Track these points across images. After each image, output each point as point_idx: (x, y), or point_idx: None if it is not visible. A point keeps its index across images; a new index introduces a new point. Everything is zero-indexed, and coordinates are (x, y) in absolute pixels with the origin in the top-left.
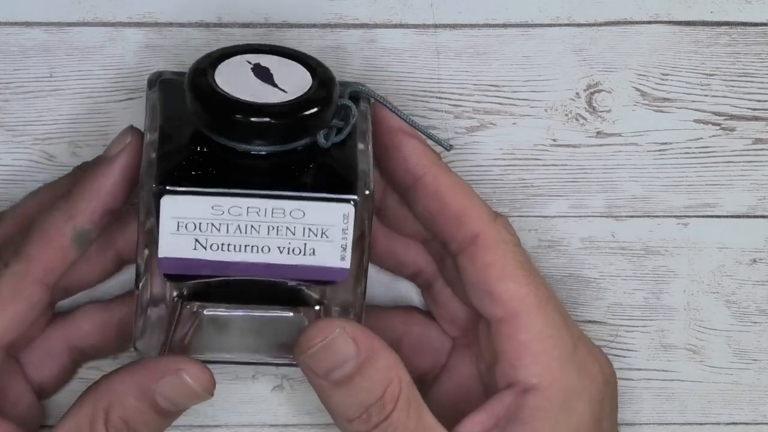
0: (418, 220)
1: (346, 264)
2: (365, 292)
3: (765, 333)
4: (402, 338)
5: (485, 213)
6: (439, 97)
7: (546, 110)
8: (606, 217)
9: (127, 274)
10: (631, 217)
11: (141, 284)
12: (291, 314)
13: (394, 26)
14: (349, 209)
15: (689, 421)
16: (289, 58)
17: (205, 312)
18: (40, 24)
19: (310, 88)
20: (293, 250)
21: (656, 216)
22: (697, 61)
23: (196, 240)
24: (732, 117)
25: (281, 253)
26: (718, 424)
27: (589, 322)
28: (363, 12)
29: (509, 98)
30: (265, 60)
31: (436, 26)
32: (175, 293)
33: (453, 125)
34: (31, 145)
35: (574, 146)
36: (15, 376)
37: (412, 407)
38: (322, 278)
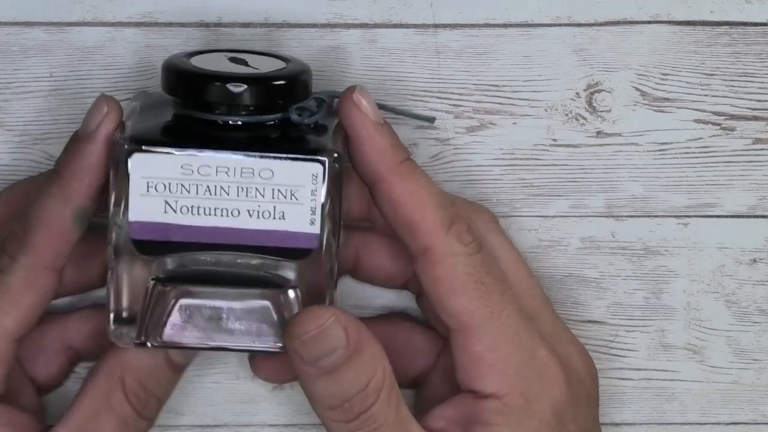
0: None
1: (316, 229)
2: (337, 275)
3: (765, 333)
4: (387, 348)
5: (437, 224)
6: (439, 97)
7: (546, 110)
8: (606, 217)
9: None
10: (631, 217)
11: (112, 269)
12: (264, 299)
13: (394, 26)
14: (318, 169)
15: (689, 421)
16: (265, 55)
17: (180, 294)
18: (40, 24)
19: (283, 67)
20: (263, 214)
21: (656, 216)
22: (697, 61)
23: (166, 202)
24: (732, 117)
25: (251, 216)
26: (718, 424)
27: (589, 322)
28: (363, 12)
29: (509, 98)
30: (241, 54)
31: (436, 26)
32: (149, 280)
33: (453, 125)
34: (31, 145)
35: (574, 146)
36: (19, 371)
37: (392, 399)
38: (293, 245)
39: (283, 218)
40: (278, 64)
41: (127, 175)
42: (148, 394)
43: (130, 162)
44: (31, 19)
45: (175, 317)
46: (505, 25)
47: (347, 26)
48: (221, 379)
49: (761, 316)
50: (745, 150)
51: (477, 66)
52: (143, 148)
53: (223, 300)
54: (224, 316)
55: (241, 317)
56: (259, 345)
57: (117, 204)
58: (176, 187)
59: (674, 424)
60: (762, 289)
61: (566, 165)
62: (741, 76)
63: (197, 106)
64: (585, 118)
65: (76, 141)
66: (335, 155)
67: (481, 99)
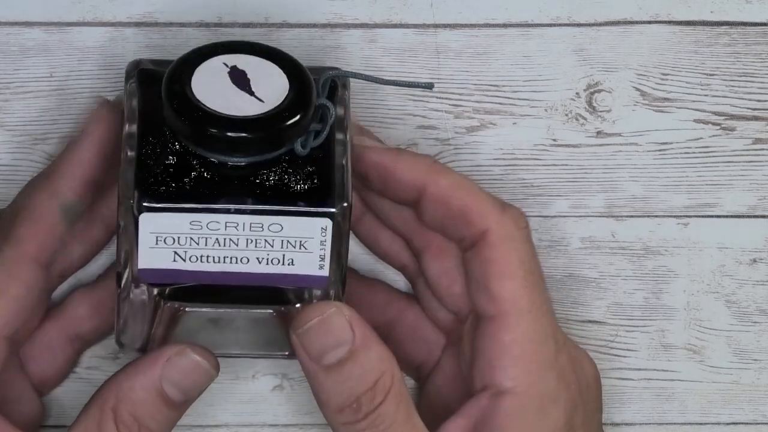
0: (430, 228)
1: (325, 272)
2: (344, 291)
3: (765, 333)
4: (396, 323)
5: (491, 207)
6: (439, 97)
7: (546, 110)
8: (606, 217)
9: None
10: (631, 217)
11: (122, 284)
12: (271, 311)
13: (394, 26)
14: (327, 223)
15: (689, 421)
16: (265, 58)
17: (186, 310)
18: (40, 24)
19: (287, 96)
20: (272, 261)
21: (656, 216)
22: (697, 61)
23: (175, 253)
24: (732, 117)
25: (260, 263)
26: (718, 424)
27: (589, 322)
28: (363, 12)
29: (509, 98)
30: (242, 62)
31: (436, 26)
32: (155, 291)
33: (453, 125)
34: (31, 145)
35: (574, 146)
36: (17, 373)
37: (402, 402)
38: (301, 285)
39: (293, 264)
40: (281, 84)
41: (136, 231)
42: (141, 428)
43: (139, 219)
44: (31, 19)
45: (181, 333)
46: (505, 25)
47: (347, 26)
48: (221, 379)
49: (761, 316)
50: (745, 150)
51: (477, 66)
52: (152, 207)
53: (230, 316)
54: (231, 332)
55: (248, 331)
56: (266, 354)
57: (124, 241)
58: (185, 240)
59: (674, 424)
60: (762, 289)
61: (566, 165)
62: (741, 76)
63: (201, 146)
64: (585, 118)
65: (70, 140)
66: (344, 205)
67: (481, 99)
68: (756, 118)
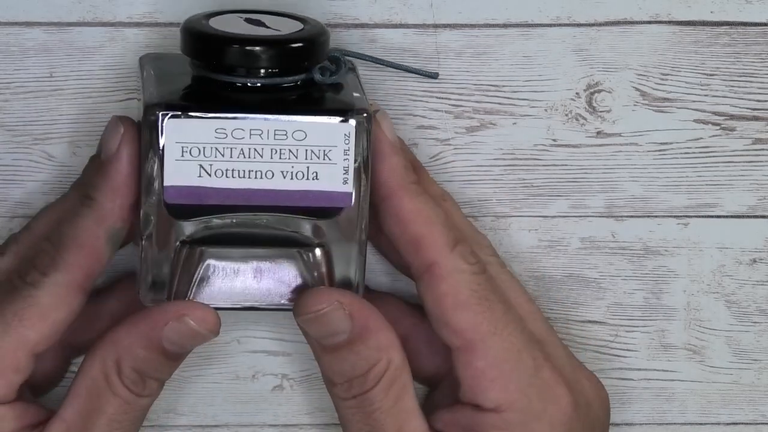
0: (386, 245)
1: (349, 188)
2: (366, 239)
3: (765, 333)
4: (407, 339)
5: (442, 241)
6: (439, 97)
7: (546, 110)
8: (606, 217)
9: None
10: (631, 217)
11: (145, 234)
12: (292, 257)
13: (394, 26)
14: (350, 128)
15: (689, 421)
16: (280, 15)
17: (207, 255)
18: (40, 24)
19: (302, 29)
20: (296, 175)
21: (656, 216)
22: (697, 61)
23: (201, 166)
24: (732, 117)
25: (284, 178)
26: (718, 424)
27: (589, 322)
28: (363, 12)
29: (509, 98)
30: (256, 16)
31: (436, 26)
32: (178, 241)
33: (453, 125)
34: (31, 145)
35: (574, 146)
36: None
37: (393, 388)
38: (326, 204)
39: (317, 178)
40: (296, 25)
41: (162, 141)
42: (146, 378)
43: (164, 127)
44: (31, 19)
45: (203, 279)
46: (505, 25)
47: (347, 26)
48: (221, 379)
49: (761, 316)
50: (745, 150)
51: (477, 66)
52: (178, 113)
53: (250, 260)
54: (252, 275)
55: (269, 276)
56: (287, 304)
57: (150, 170)
58: (210, 151)
59: (674, 424)
60: (762, 289)
61: (566, 165)
62: (741, 76)
63: (220, 68)
64: (585, 118)
65: (102, 164)
66: (365, 114)
67: (481, 99)
68: (756, 118)
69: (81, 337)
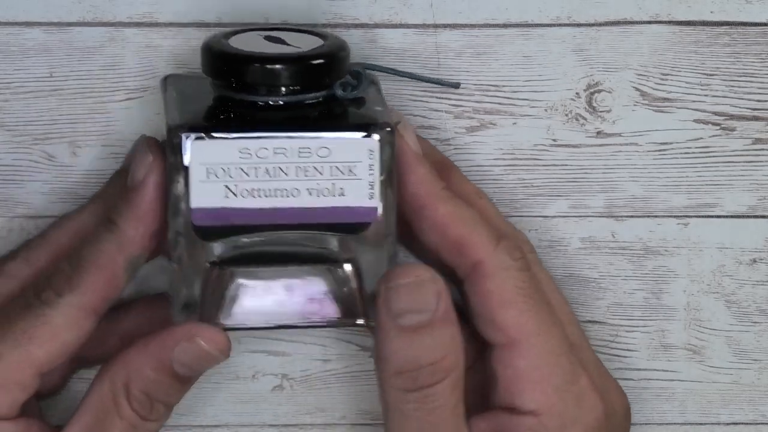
0: (424, 252)
1: (375, 202)
2: (396, 251)
3: (765, 333)
4: None
5: (486, 239)
6: (439, 97)
7: (546, 110)
8: (606, 217)
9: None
10: (631, 217)
11: (175, 256)
12: (321, 275)
13: (394, 26)
14: (374, 143)
15: (689, 421)
16: (298, 32)
17: (237, 275)
18: (40, 24)
19: (323, 45)
20: (322, 192)
21: (656, 216)
22: (697, 61)
23: (227, 187)
24: (732, 117)
25: (310, 195)
26: (718, 424)
27: (589, 322)
28: (363, 12)
29: (509, 98)
30: (275, 33)
31: (436, 26)
32: (207, 262)
33: (453, 125)
34: (31, 145)
35: (574, 146)
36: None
37: (457, 389)
38: (353, 220)
39: (343, 194)
40: (316, 42)
41: (186, 163)
42: (153, 402)
43: (189, 149)
44: (31, 19)
45: (233, 299)
46: (505, 25)
47: (347, 26)
48: (221, 379)
49: (761, 316)
50: (745, 150)
51: (477, 66)
52: (201, 135)
53: (280, 278)
54: (282, 294)
55: (300, 294)
56: (319, 320)
57: (176, 192)
58: (236, 171)
59: (674, 424)
60: (762, 289)
61: (566, 165)
62: (741, 76)
63: (242, 88)
64: (585, 118)
65: (128, 190)
66: (388, 128)
67: (481, 99)
68: (756, 118)
69: (91, 352)
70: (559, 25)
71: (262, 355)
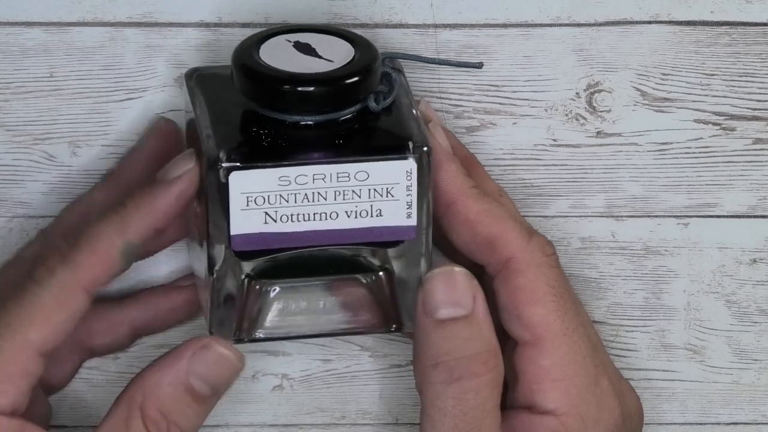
0: (453, 250)
1: (413, 221)
2: (431, 256)
3: (765, 333)
4: None
5: (517, 235)
6: (439, 97)
7: (546, 110)
8: (606, 217)
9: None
10: (631, 217)
11: (213, 272)
12: (355, 283)
13: (394, 26)
14: (412, 165)
15: (689, 421)
16: (324, 33)
17: (273, 289)
18: (40, 24)
19: (354, 56)
20: (360, 213)
21: (656, 216)
22: (698, 61)
23: (266, 213)
24: (732, 117)
25: (349, 217)
26: (718, 424)
27: None
28: (363, 12)
29: (509, 98)
30: (303, 37)
31: (436, 26)
32: (243, 275)
33: (453, 125)
34: (31, 145)
35: (574, 146)
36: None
37: (496, 391)
38: (391, 239)
39: (381, 215)
40: (346, 49)
41: (227, 193)
42: (170, 424)
43: (230, 180)
44: (31, 19)
45: (270, 311)
46: (505, 25)
47: (347, 26)
48: None
49: (761, 316)
50: (745, 150)
51: None
52: (240, 165)
53: (315, 289)
54: (318, 304)
55: (335, 304)
56: (356, 328)
57: (215, 218)
58: (275, 199)
59: (674, 424)
60: (762, 289)
61: (566, 165)
62: (741, 76)
63: (275, 107)
64: (585, 118)
65: (153, 181)
66: (425, 149)
67: (481, 99)
68: (756, 118)
69: (99, 341)
70: (559, 25)
71: (262, 355)
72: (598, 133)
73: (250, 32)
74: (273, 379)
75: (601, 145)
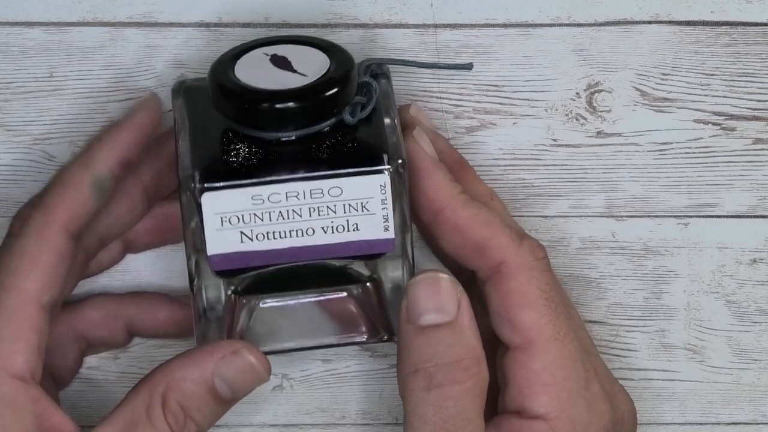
0: (444, 254)
1: (391, 234)
2: (413, 264)
3: (765, 333)
4: None
5: (508, 239)
6: (439, 97)
7: (546, 110)
8: (606, 217)
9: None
10: (631, 217)
11: (195, 289)
12: (343, 294)
13: (394, 26)
14: (385, 179)
15: (689, 421)
16: (303, 45)
17: (260, 304)
18: (40, 24)
19: (329, 69)
20: (337, 228)
21: (656, 216)
22: (698, 61)
23: (242, 233)
24: (732, 117)
25: (326, 233)
26: (718, 424)
27: (589, 322)
28: (363, 12)
29: (509, 98)
30: (281, 50)
31: (436, 26)
32: (229, 290)
33: (453, 125)
34: (31, 145)
35: (574, 146)
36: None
37: (480, 400)
38: (370, 252)
39: (357, 229)
40: (321, 61)
41: (201, 213)
42: (187, 419)
43: (202, 201)
44: (31, 19)
45: (255, 325)
46: (505, 25)
47: (347, 26)
48: None
49: (761, 316)
50: (745, 150)
51: (477, 66)
52: (213, 185)
53: (302, 302)
54: (305, 317)
55: (322, 316)
56: (347, 339)
57: (191, 237)
58: (249, 218)
59: (674, 424)
60: (762, 289)
61: (566, 165)
62: (741, 76)
63: (251, 125)
64: (585, 118)
65: (113, 123)
66: (399, 161)
67: (481, 99)
68: (756, 118)
69: (94, 333)
70: (559, 25)
71: None
72: (598, 133)
73: (250, 32)
74: (273, 379)
75: (601, 145)
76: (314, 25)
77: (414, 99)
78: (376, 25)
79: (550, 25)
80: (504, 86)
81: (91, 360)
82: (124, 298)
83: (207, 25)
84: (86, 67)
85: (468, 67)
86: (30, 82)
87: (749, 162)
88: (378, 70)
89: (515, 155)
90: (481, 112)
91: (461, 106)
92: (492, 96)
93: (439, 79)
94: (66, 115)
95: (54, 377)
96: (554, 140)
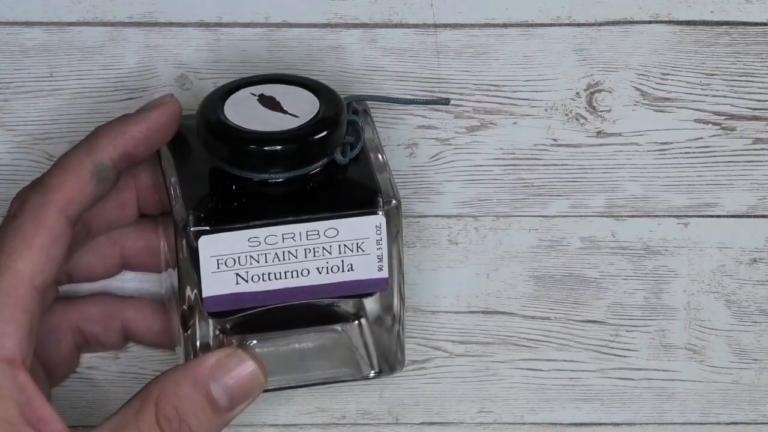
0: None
1: (385, 273)
2: (404, 298)
3: (765, 333)
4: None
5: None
6: (440, 97)
7: (546, 110)
8: (606, 216)
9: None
10: (632, 216)
11: (189, 329)
12: (329, 332)
13: (394, 26)
14: (381, 220)
15: (689, 421)
16: (289, 84)
17: (248, 342)
18: (40, 24)
19: (319, 110)
20: (331, 269)
21: (656, 216)
22: (698, 61)
23: (237, 275)
24: (732, 117)
25: (320, 273)
26: (718, 424)
27: (589, 322)
28: (363, 12)
29: (509, 98)
30: (268, 89)
31: (436, 26)
32: (217, 330)
33: (453, 125)
34: (31, 145)
35: (574, 146)
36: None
37: None
38: (364, 291)
39: (352, 269)
40: (311, 102)
41: (197, 256)
42: (182, 423)
43: (199, 245)
44: (31, 19)
45: None
46: (505, 25)
47: (347, 26)
48: None
49: (761, 316)
50: (745, 150)
51: (477, 66)
52: (210, 229)
53: (291, 341)
54: (295, 355)
55: (312, 354)
56: (340, 376)
57: (185, 277)
58: (245, 260)
59: (674, 424)
60: (762, 289)
61: (566, 165)
62: (741, 76)
63: (241, 166)
64: (585, 118)
65: (125, 115)
66: (394, 202)
67: (481, 99)
68: (756, 118)
69: (88, 327)
70: (559, 24)
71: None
72: (599, 132)
73: (250, 32)
74: None
75: (601, 144)
76: (314, 25)
77: (414, 99)
78: (376, 25)
79: (550, 25)
80: (504, 86)
81: (91, 360)
82: (124, 300)
83: (207, 25)
84: (86, 67)
85: (445, 102)
86: (30, 81)
87: (749, 162)
88: (358, 106)
89: (515, 155)
90: (481, 112)
91: (461, 106)
92: (492, 96)
93: (439, 79)
94: (66, 115)
95: (47, 368)
96: (554, 140)
